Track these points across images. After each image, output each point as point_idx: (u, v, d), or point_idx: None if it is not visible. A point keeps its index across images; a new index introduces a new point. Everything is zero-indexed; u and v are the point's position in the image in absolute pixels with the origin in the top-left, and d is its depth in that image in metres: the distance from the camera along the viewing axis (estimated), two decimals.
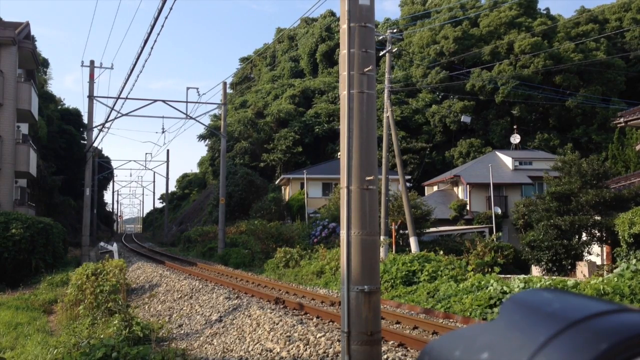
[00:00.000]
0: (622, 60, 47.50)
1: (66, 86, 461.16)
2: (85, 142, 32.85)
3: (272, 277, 19.26)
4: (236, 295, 13.11)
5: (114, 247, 23.66)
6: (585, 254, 20.45)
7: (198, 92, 29.96)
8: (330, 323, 10.33)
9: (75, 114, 55.13)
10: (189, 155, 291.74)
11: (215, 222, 37.82)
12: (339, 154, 28.29)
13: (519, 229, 28.79)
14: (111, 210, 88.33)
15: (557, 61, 45.21)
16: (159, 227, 69.27)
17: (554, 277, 14.57)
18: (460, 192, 37.50)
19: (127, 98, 24.70)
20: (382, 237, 19.45)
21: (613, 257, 18.79)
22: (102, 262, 15.05)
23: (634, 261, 11.73)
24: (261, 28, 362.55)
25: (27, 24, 29.37)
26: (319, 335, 8.47)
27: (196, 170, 77.32)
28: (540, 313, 0.65)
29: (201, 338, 10.33)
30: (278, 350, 8.42)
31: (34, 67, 32.81)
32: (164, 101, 28.23)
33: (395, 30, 23.68)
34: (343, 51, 6.34)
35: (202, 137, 59.01)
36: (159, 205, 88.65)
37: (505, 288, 11.27)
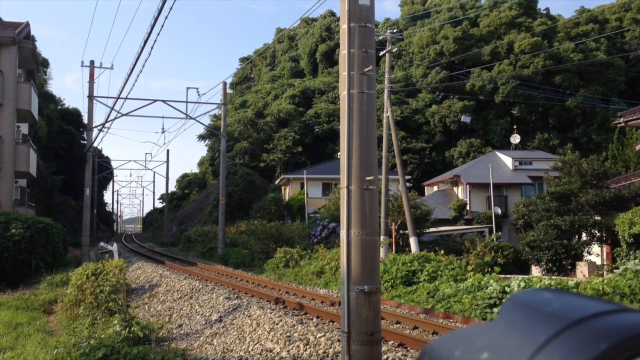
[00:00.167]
0: (622, 60, 47.49)
1: (66, 86, 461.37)
2: (85, 142, 32.86)
3: (272, 277, 19.26)
4: (236, 295, 13.11)
5: (114, 247, 23.64)
6: (585, 254, 20.44)
7: (198, 92, 30.00)
8: (330, 323, 10.33)
9: (75, 114, 55.17)
10: (189, 155, 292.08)
11: (215, 222, 37.83)
12: (339, 154, 28.32)
13: (519, 229, 28.79)
14: (111, 210, 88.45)
15: (557, 61, 45.20)
16: (159, 227, 69.28)
17: (554, 277, 14.57)
18: (460, 192, 37.50)
19: (127, 98, 24.75)
20: (382, 237, 19.45)
21: (613, 257, 18.80)
22: (102, 262, 15.04)
23: (636, 261, 11.73)
24: (261, 28, 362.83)
25: (27, 24, 29.37)
26: (319, 335, 8.47)
27: (196, 170, 77.40)
28: (540, 313, 0.65)
29: (201, 338, 10.33)
30: (278, 350, 8.42)
31: (34, 67, 32.82)
32: (164, 101, 28.26)
33: (395, 30, 23.68)
34: (343, 51, 6.34)
35: (202, 137, 59.05)
36: (159, 205, 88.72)
37: (506, 288, 11.27)
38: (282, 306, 12.05)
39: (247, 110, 57.12)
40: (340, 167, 6.42)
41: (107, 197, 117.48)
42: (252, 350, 8.85)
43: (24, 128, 30.49)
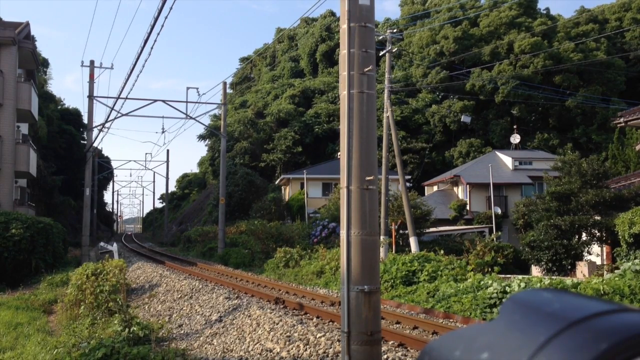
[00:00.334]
0: (622, 60, 47.48)
1: (66, 86, 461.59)
2: (85, 142, 32.86)
3: (272, 277, 19.26)
4: (236, 295, 13.11)
5: (114, 247, 23.64)
6: (585, 254, 20.44)
7: (198, 92, 29.99)
8: (330, 323, 10.33)
9: (75, 114, 55.17)
10: (189, 155, 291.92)
11: (215, 222, 37.83)
12: (339, 154, 28.30)
13: (519, 229, 28.79)
14: (111, 210, 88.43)
15: (557, 61, 45.20)
16: (159, 227, 69.29)
17: (554, 277, 14.57)
18: (460, 192, 37.50)
19: (127, 98, 24.74)
20: (382, 237, 19.45)
21: (613, 257, 18.80)
22: (102, 262, 15.04)
23: (636, 261, 11.73)
24: (261, 28, 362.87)
25: (27, 24, 29.37)
26: (319, 335, 8.47)
27: (196, 170, 77.40)
28: (540, 313, 0.65)
29: (201, 338, 10.33)
30: (278, 350, 8.42)
31: (34, 67, 32.82)
32: (164, 101, 28.25)
33: (395, 30, 23.68)
34: (343, 51, 6.33)
35: (202, 137, 59.04)
36: (159, 205, 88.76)
37: (506, 288, 11.27)
38: (282, 306, 12.05)
39: (247, 110, 57.11)
40: (340, 167, 6.42)
41: (107, 197, 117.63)
42: (252, 350, 8.85)
43: (24, 128, 30.50)
